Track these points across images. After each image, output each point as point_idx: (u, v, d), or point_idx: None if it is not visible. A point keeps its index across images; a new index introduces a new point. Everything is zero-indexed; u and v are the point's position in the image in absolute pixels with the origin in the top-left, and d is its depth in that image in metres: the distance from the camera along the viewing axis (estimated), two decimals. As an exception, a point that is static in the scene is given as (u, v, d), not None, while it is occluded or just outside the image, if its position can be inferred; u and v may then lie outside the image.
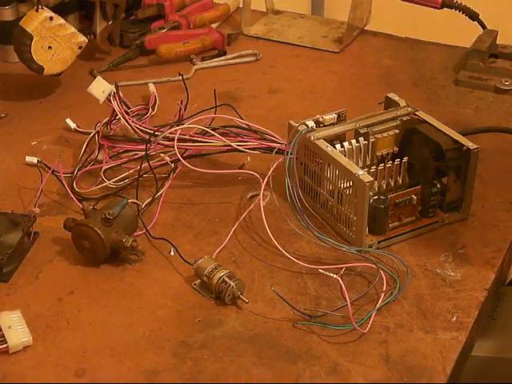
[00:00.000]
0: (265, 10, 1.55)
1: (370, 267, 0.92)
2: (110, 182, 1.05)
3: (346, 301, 0.85)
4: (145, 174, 1.05)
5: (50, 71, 1.23)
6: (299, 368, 0.83)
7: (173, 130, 1.04)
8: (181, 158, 1.03)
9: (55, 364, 0.83)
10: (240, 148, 1.03)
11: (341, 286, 0.87)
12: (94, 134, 1.09)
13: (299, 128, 0.99)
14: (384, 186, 0.99)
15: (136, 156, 1.07)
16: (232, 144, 1.03)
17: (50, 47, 1.21)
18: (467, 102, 1.26)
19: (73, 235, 0.95)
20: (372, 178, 0.92)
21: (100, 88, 1.06)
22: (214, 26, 1.47)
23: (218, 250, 0.96)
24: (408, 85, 1.31)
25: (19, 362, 0.83)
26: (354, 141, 1.00)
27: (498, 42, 1.36)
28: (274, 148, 1.03)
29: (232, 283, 0.88)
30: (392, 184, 1.00)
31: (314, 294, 0.91)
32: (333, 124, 1.01)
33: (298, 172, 1.01)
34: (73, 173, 1.06)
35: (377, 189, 0.97)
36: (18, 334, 0.84)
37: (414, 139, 1.00)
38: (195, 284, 0.92)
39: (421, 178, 0.99)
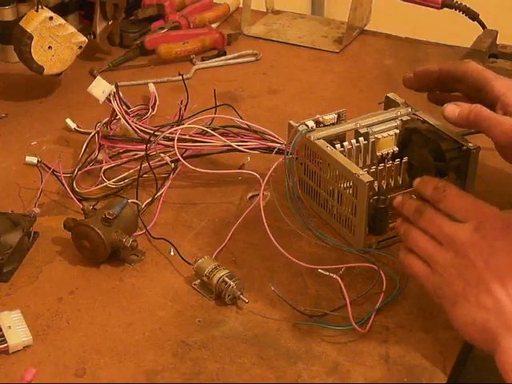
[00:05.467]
0: (265, 10, 1.55)
1: (370, 267, 0.92)
2: (110, 182, 1.05)
3: (345, 301, 0.85)
4: (145, 174, 1.05)
5: (49, 71, 1.23)
6: (299, 368, 0.83)
7: (173, 130, 1.04)
8: (181, 158, 1.03)
9: (55, 364, 0.83)
10: (240, 148, 1.03)
11: (341, 286, 0.87)
12: (94, 134, 1.09)
13: (299, 128, 0.99)
14: (384, 186, 0.99)
15: (136, 156, 1.07)
16: (232, 144, 1.03)
17: (50, 47, 1.21)
18: (467, 102, 1.26)
19: (73, 235, 0.95)
20: (372, 178, 0.92)
21: (100, 88, 1.06)
22: (214, 26, 1.47)
23: (218, 249, 0.96)
24: (408, 85, 1.31)
25: (19, 362, 0.83)
26: (354, 141, 1.00)
27: (497, 42, 1.36)
28: (274, 148, 1.03)
29: (232, 283, 0.88)
30: (392, 184, 1.00)
31: (314, 293, 0.91)
32: (333, 124, 1.01)
33: (298, 172, 1.01)
34: (73, 173, 1.06)
35: (377, 189, 0.97)
36: (18, 333, 0.84)
37: (414, 139, 1.00)
38: (195, 284, 0.92)
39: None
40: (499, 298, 0.77)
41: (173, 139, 1.03)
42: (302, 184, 1.02)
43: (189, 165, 1.02)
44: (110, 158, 1.08)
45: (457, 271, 0.79)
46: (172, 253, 0.97)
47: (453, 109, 0.95)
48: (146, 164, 1.03)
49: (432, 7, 1.36)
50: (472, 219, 0.81)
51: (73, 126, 1.18)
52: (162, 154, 1.06)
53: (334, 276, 0.88)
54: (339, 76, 1.35)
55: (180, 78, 1.23)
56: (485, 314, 0.77)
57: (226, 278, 0.89)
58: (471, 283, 0.78)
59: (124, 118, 1.05)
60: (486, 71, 1.00)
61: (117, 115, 1.06)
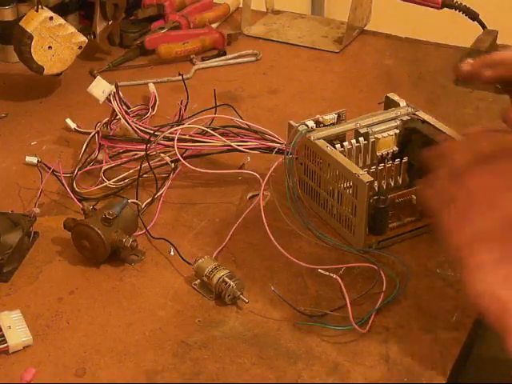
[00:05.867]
0: (265, 10, 1.55)
1: (370, 267, 0.92)
2: (110, 182, 1.05)
3: (345, 301, 0.85)
4: (145, 174, 1.05)
5: (49, 71, 1.23)
6: (299, 368, 0.83)
7: (173, 130, 1.04)
8: (181, 158, 1.03)
9: (55, 364, 0.83)
10: (240, 148, 1.03)
11: (341, 286, 0.87)
12: (94, 134, 1.09)
13: (299, 128, 0.99)
14: (384, 186, 0.99)
15: (136, 156, 1.07)
16: (232, 144, 1.03)
17: (50, 47, 1.21)
18: (467, 102, 1.26)
19: (73, 235, 0.95)
20: (372, 178, 0.92)
21: (100, 88, 1.06)
22: (214, 26, 1.47)
23: (218, 249, 0.96)
24: (408, 85, 1.31)
25: (19, 362, 0.83)
26: (354, 141, 1.00)
27: (497, 42, 1.36)
28: (274, 148, 1.03)
29: (232, 283, 0.88)
30: (392, 184, 1.00)
31: (314, 293, 0.91)
32: (333, 124, 1.01)
33: (298, 172, 1.01)
34: (73, 173, 1.06)
35: (377, 189, 0.97)
36: (18, 333, 0.84)
37: (414, 139, 1.00)
38: (195, 284, 0.92)
39: (421, 178, 0.98)
40: None
41: (173, 139, 1.03)
42: (302, 184, 1.02)
43: (189, 165, 1.02)
44: (110, 157, 1.08)
45: (496, 242, 0.74)
46: (172, 253, 0.96)
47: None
48: (146, 164, 1.03)
49: (432, 7, 1.36)
50: None
51: (73, 126, 1.18)
52: (162, 154, 1.06)
53: (334, 276, 0.88)
54: (339, 76, 1.35)
55: (180, 77, 1.23)
56: (509, 292, 0.72)
57: (225, 278, 0.89)
58: (506, 260, 0.73)
59: (124, 118, 1.05)
60: None
61: (117, 115, 1.06)
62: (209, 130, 1.04)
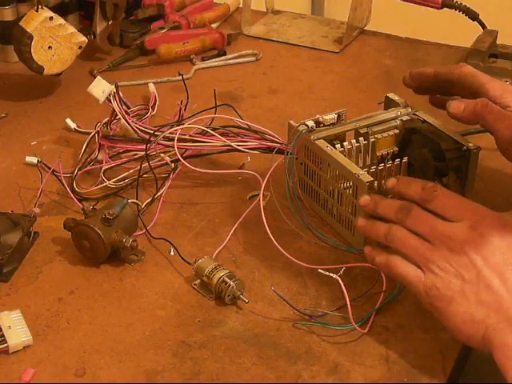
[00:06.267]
0: (265, 10, 1.55)
1: (370, 267, 0.91)
2: (110, 182, 1.05)
3: (345, 301, 0.85)
4: (145, 174, 1.05)
5: (50, 71, 1.23)
6: (299, 368, 0.83)
7: (173, 130, 1.04)
8: (181, 158, 1.03)
9: (55, 364, 0.83)
10: (240, 148, 1.03)
11: (341, 285, 0.87)
12: (94, 134, 1.09)
13: (299, 128, 0.99)
14: (384, 186, 0.99)
15: (136, 156, 1.07)
16: (232, 144, 1.03)
17: (50, 47, 1.21)
18: (467, 102, 1.26)
19: (73, 235, 0.95)
20: (372, 178, 0.92)
21: (100, 88, 1.06)
22: (214, 26, 1.47)
23: (218, 250, 0.96)
24: (408, 85, 1.31)
25: (19, 362, 0.83)
26: (353, 141, 1.00)
27: (497, 42, 1.36)
28: (274, 148, 1.03)
29: (232, 283, 0.88)
30: (392, 184, 1.00)
31: (314, 293, 0.91)
32: (333, 124, 1.01)
33: (298, 172, 1.01)
34: (73, 173, 1.06)
35: (377, 189, 0.97)
36: (18, 333, 0.84)
37: (414, 139, 1.00)
38: (195, 284, 0.92)
39: (421, 178, 0.98)
40: (500, 294, 0.77)
41: (173, 139, 1.03)
42: (302, 184, 1.02)
43: (189, 165, 1.02)
44: (110, 158, 1.08)
45: (455, 269, 0.79)
46: (172, 253, 0.97)
47: (458, 104, 0.95)
48: (146, 164, 1.03)
49: (432, 7, 1.36)
50: (466, 218, 0.81)
51: (73, 126, 1.18)
52: (162, 154, 1.06)
53: (334, 276, 0.88)
54: (339, 76, 1.35)
55: (180, 78, 1.23)
56: (485, 311, 0.77)
57: (226, 278, 0.89)
58: (471, 281, 0.78)
59: (124, 118, 1.05)
60: (480, 74, 0.99)
61: (117, 115, 1.06)
62: (209, 130, 1.04)
